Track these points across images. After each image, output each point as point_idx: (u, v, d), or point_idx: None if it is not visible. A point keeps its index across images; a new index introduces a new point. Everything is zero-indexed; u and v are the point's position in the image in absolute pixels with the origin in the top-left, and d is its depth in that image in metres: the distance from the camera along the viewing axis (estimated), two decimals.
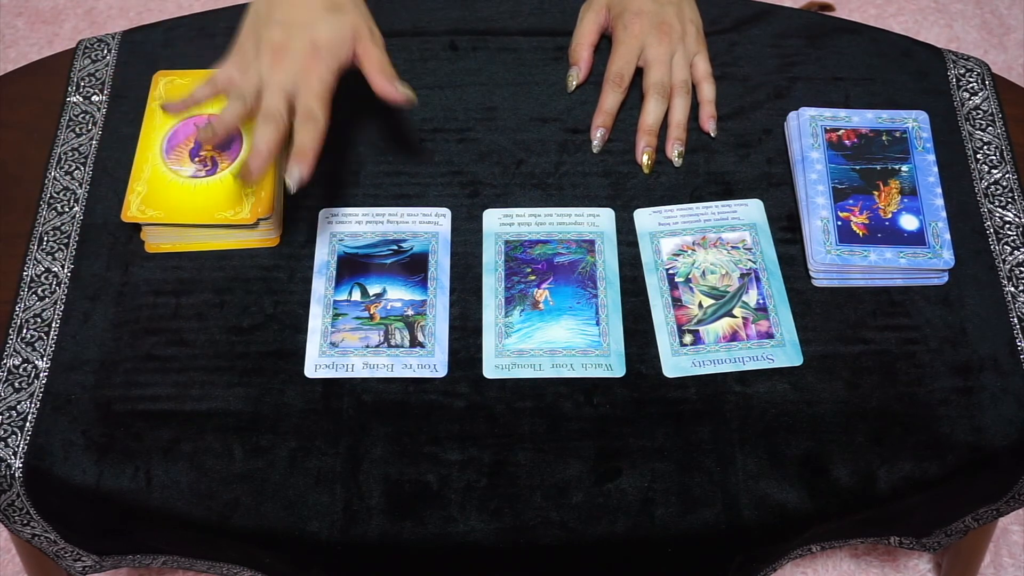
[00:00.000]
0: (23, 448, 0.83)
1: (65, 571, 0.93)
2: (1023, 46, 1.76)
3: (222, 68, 0.88)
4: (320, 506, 0.81)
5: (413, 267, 0.91)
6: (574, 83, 1.01)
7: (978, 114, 1.00)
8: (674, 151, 0.97)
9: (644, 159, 0.97)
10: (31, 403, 0.84)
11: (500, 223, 0.94)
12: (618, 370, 0.87)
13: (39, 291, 0.90)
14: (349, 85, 1.02)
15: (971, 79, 1.03)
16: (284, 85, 0.85)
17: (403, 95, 0.88)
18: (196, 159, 0.94)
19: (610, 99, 0.98)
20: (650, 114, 0.98)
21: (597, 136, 0.98)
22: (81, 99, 1.01)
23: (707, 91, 1.00)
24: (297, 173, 0.83)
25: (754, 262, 0.92)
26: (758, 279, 0.91)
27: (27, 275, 0.90)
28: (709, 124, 0.99)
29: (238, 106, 0.85)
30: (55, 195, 0.95)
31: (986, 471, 0.85)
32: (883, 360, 0.87)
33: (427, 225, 0.94)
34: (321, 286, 0.90)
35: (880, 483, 0.83)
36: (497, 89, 1.02)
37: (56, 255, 0.91)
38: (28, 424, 0.84)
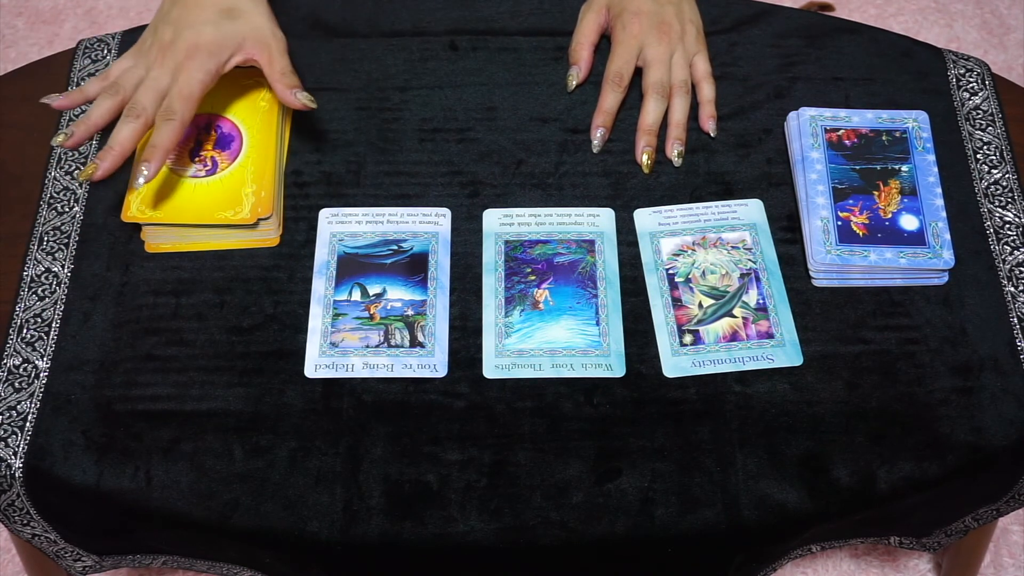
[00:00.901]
0: (23, 448, 0.83)
1: (65, 571, 0.93)
2: (1023, 46, 1.76)
3: (118, 60, 0.92)
4: (320, 506, 0.81)
5: (413, 267, 0.91)
6: (574, 83, 1.01)
7: (978, 114, 1.00)
8: (674, 151, 0.97)
9: (644, 159, 0.97)
10: (31, 403, 0.85)
11: (500, 223, 0.94)
12: (618, 370, 0.87)
13: (39, 291, 0.90)
14: (348, 86, 1.02)
15: (971, 79, 1.03)
16: (159, 82, 0.88)
17: (299, 101, 0.92)
18: (196, 159, 0.94)
19: (609, 99, 0.99)
20: (650, 114, 0.98)
21: (597, 136, 0.98)
22: None
23: (707, 91, 1.00)
24: (144, 169, 0.86)
25: (754, 262, 0.92)
26: (758, 279, 0.91)
27: (27, 275, 0.90)
28: (709, 124, 0.99)
29: (107, 104, 0.88)
30: (55, 195, 0.95)
31: (986, 471, 0.85)
32: (883, 360, 0.87)
33: (427, 225, 0.94)
34: (321, 286, 0.90)
35: (880, 483, 0.83)
36: (497, 89, 1.02)
37: (56, 255, 0.91)
38: (28, 424, 0.84)
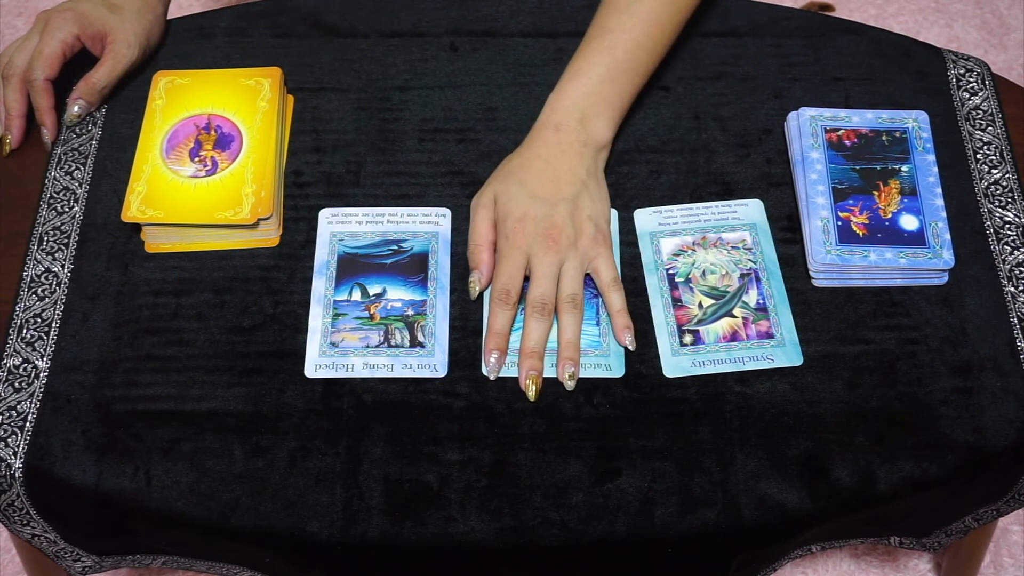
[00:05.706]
0: (23, 448, 0.83)
1: (65, 571, 0.93)
2: (1023, 46, 1.76)
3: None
4: (320, 506, 0.81)
5: (413, 267, 0.91)
6: (476, 288, 0.89)
7: (978, 114, 1.00)
8: (565, 373, 0.85)
9: (529, 385, 0.85)
10: (31, 403, 0.84)
11: None
12: (618, 370, 0.87)
13: (39, 291, 0.90)
14: (348, 86, 1.02)
15: (971, 79, 1.03)
16: (29, 41, 0.97)
17: (68, 111, 0.98)
18: (196, 159, 0.94)
19: (500, 319, 0.87)
20: (530, 336, 0.86)
21: (492, 360, 0.86)
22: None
23: (615, 300, 0.88)
24: (8, 137, 0.98)
25: (754, 262, 0.92)
26: (758, 279, 0.91)
27: (27, 275, 0.90)
28: (625, 336, 0.87)
29: (5, 87, 0.97)
30: (55, 195, 0.95)
31: (986, 471, 0.85)
32: (883, 360, 0.87)
33: (427, 225, 0.94)
34: (321, 286, 0.90)
35: (880, 483, 0.83)
36: (497, 89, 1.02)
37: (56, 255, 0.91)
38: (28, 424, 0.84)
